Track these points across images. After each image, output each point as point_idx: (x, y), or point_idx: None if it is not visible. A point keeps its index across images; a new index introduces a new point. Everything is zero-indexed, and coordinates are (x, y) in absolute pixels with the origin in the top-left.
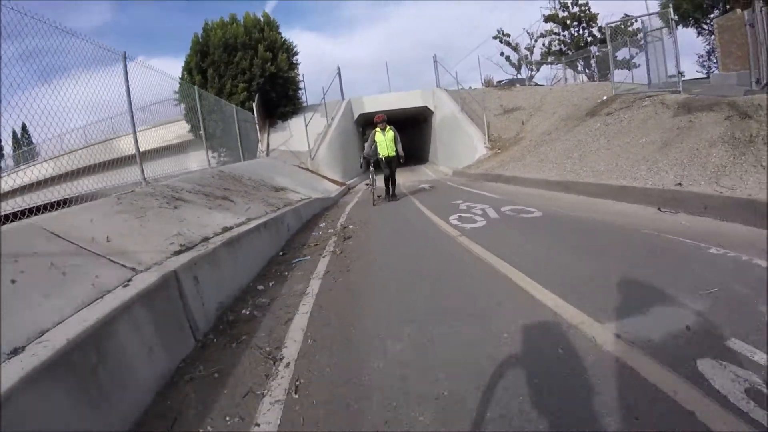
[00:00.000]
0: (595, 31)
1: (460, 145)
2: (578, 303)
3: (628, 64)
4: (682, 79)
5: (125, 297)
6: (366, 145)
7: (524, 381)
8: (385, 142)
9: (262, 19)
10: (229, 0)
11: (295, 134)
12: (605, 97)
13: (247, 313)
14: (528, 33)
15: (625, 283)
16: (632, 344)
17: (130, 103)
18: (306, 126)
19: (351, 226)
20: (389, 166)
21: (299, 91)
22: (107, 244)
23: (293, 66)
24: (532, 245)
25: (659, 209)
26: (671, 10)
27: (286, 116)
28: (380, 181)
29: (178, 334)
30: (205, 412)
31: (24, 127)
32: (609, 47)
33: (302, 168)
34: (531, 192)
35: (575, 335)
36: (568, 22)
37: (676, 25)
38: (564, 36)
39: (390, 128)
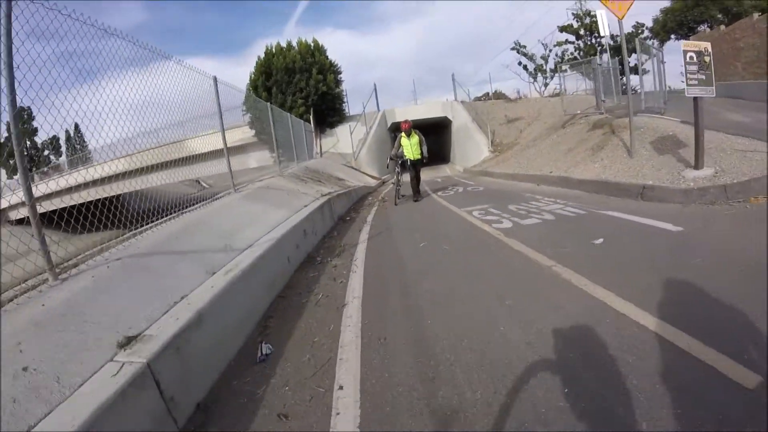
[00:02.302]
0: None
1: (470, 148)
2: (457, 206)
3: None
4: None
5: (323, 201)
6: (393, 147)
7: (435, 217)
8: (410, 146)
9: (312, 45)
10: (261, 0)
11: (341, 139)
12: (578, 111)
13: (349, 218)
14: (542, 44)
15: (478, 201)
16: (463, 210)
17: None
18: (351, 134)
19: (387, 199)
20: (414, 168)
21: (343, 104)
22: (303, 192)
23: (339, 83)
24: (465, 198)
25: (537, 184)
26: (598, 56)
27: (333, 125)
28: (406, 178)
29: (331, 216)
30: (349, 228)
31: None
32: (561, 82)
33: (348, 166)
34: (493, 180)
35: (447, 209)
36: (581, 32)
37: (662, 43)
38: (578, 45)
39: (415, 132)
